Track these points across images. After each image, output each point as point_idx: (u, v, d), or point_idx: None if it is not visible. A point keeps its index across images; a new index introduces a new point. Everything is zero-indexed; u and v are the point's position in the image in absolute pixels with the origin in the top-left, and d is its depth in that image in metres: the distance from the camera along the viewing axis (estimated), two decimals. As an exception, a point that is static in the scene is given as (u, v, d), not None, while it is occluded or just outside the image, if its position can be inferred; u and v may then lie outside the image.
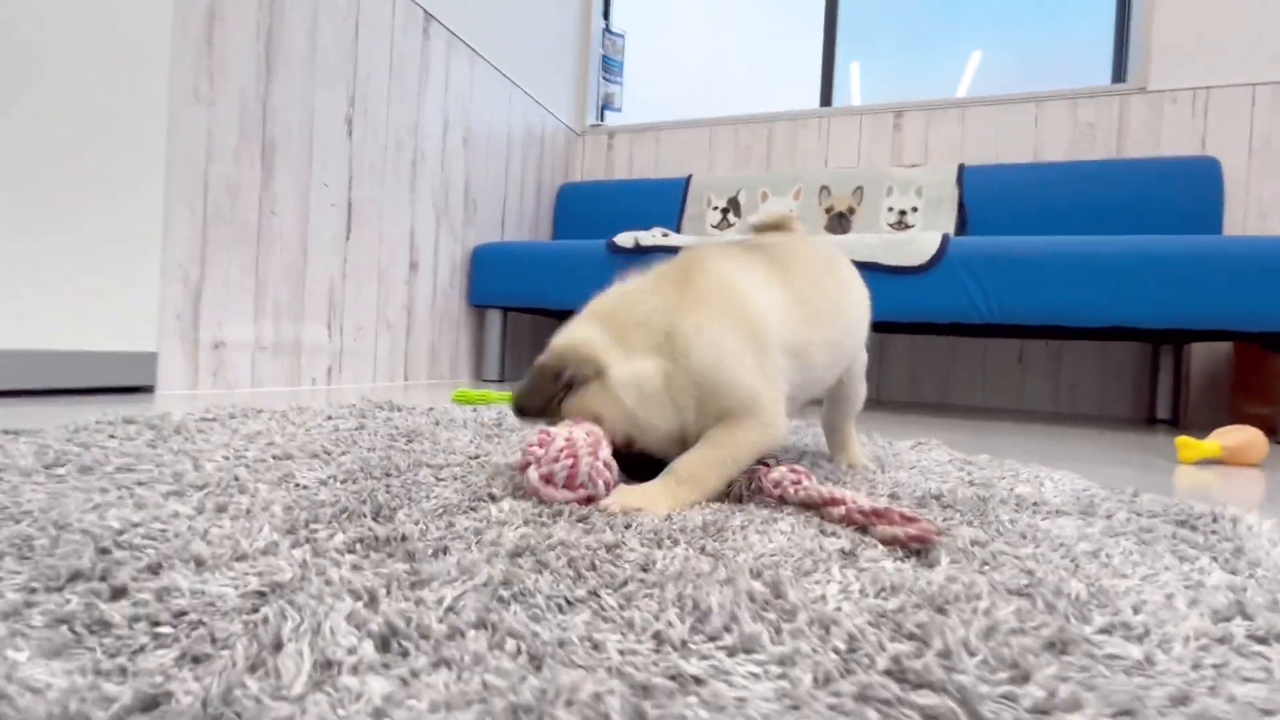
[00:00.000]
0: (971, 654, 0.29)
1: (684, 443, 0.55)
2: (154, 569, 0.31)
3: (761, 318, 0.56)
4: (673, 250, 2.01)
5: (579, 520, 0.44)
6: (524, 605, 0.30)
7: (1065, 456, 1.05)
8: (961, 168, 2.25)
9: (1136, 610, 0.34)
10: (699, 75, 3.19)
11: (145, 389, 1.28)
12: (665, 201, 2.65)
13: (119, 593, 0.29)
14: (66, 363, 1.12)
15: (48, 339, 1.09)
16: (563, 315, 2.73)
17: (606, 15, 3.08)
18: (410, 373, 1.99)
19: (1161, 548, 0.45)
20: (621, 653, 0.27)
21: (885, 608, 0.33)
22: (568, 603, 0.31)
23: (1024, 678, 0.27)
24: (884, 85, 2.90)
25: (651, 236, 2.08)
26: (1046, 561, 0.40)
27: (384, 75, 1.80)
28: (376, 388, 1.78)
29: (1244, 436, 1.09)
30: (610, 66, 3.04)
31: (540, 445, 0.49)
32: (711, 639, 0.29)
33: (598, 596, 0.31)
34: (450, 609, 0.28)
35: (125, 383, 1.21)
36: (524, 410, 0.57)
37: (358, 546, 0.36)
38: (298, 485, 0.50)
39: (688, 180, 2.62)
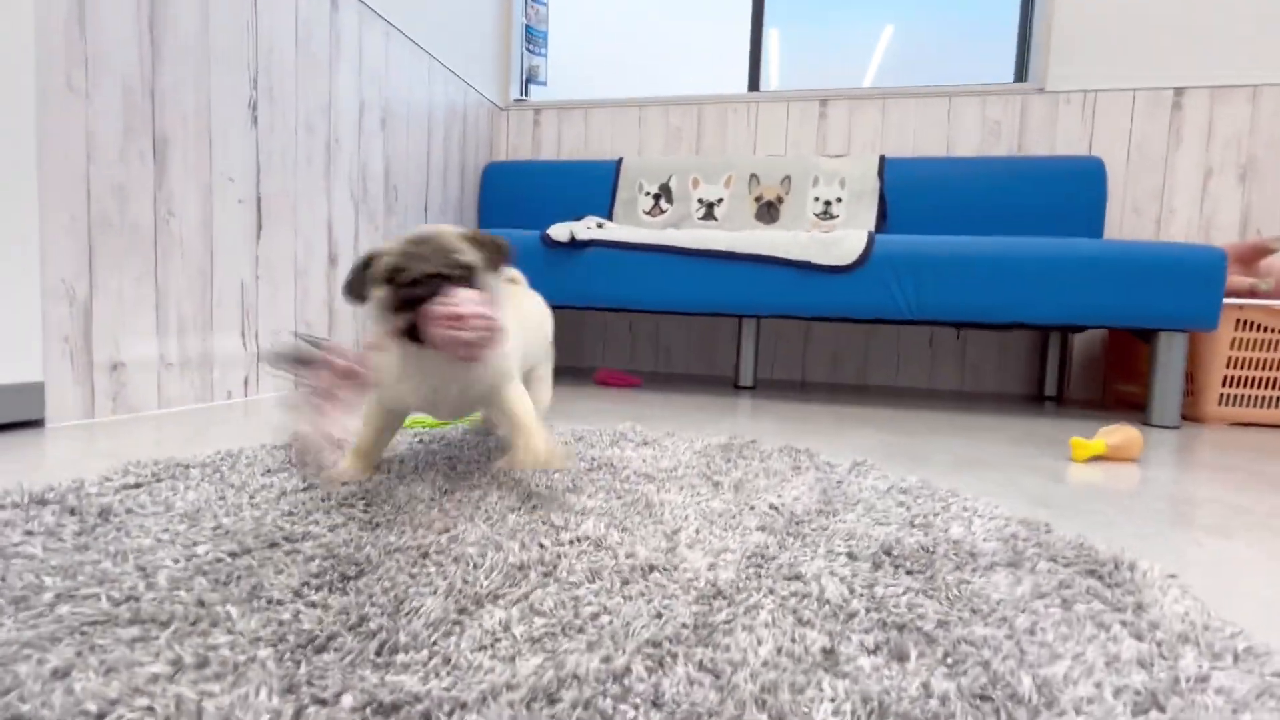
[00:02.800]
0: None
1: None
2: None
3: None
4: (608, 245, 1.99)
5: (575, 631, 0.45)
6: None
7: (977, 462, 1.16)
8: (883, 159, 2.35)
9: (1078, 710, 0.39)
10: (625, 50, 3.11)
11: (33, 424, 1.14)
12: (596, 185, 2.60)
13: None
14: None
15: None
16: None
17: (528, -20, 2.92)
18: (334, 374, 1.89)
19: (1081, 611, 0.51)
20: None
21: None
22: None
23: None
24: (801, 54, 2.93)
25: (586, 229, 2.05)
26: (997, 648, 0.45)
27: (289, 51, 1.64)
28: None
29: (1124, 435, 1.24)
30: (534, 37, 2.90)
31: None
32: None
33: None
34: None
35: (7, 419, 1.08)
36: None
37: (368, 713, 0.35)
38: (270, 602, 0.48)
39: (619, 163, 2.58)
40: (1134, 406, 2.10)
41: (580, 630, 0.45)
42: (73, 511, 0.65)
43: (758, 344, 2.24)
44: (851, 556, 0.61)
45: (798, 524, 0.69)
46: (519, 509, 0.71)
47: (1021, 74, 2.48)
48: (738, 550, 0.61)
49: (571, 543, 0.60)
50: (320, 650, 0.41)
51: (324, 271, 1.82)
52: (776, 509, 0.73)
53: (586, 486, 0.81)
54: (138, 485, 0.75)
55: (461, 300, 0.65)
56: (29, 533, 0.60)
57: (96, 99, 1.19)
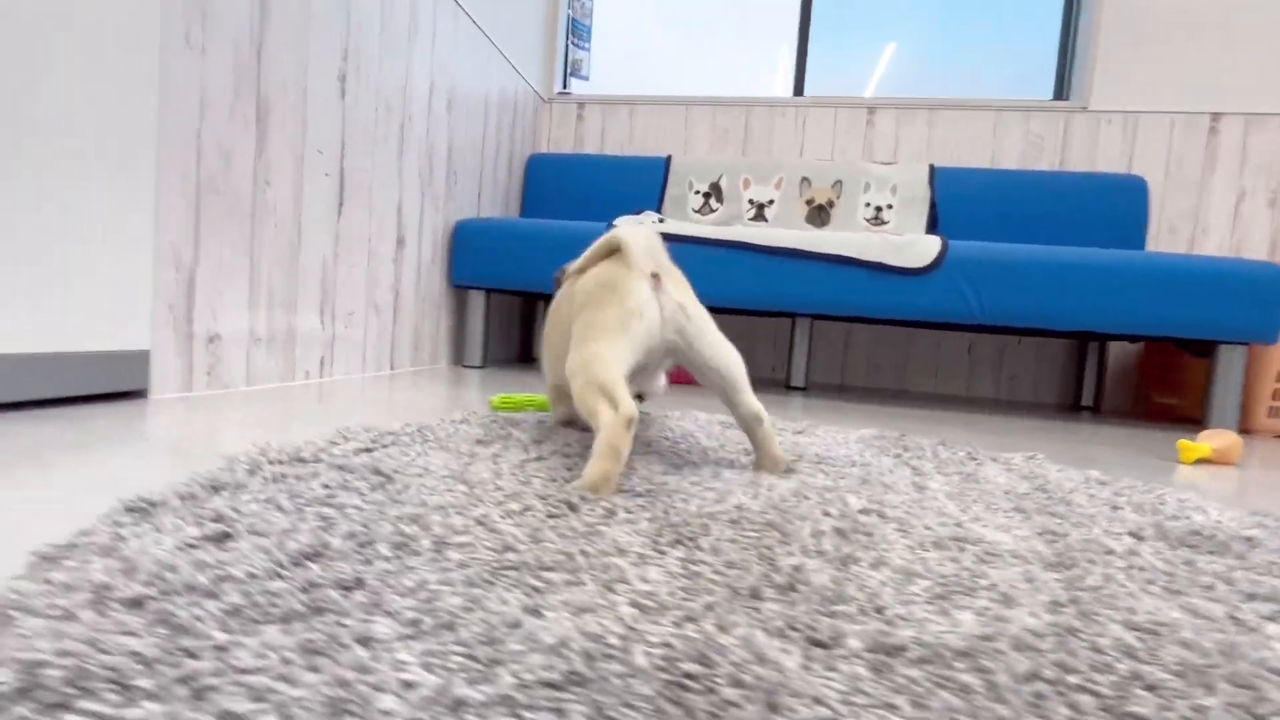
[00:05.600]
0: None
1: None
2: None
3: None
4: (677, 239, 1.97)
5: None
6: None
7: (1086, 461, 1.18)
8: (933, 168, 2.39)
9: None
10: (668, 49, 3.11)
11: (136, 394, 1.07)
12: (643, 181, 2.58)
13: None
14: (35, 369, 0.90)
15: (13, 341, 0.87)
16: (550, 300, 2.59)
17: (574, -25, 2.90)
18: (396, 360, 1.82)
19: None
20: None
21: None
22: None
23: None
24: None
25: (652, 223, 2.02)
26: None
27: (375, 26, 1.58)
28: (366, 378, 1.61)
29: (1228, 440, 1.27)
30: (578, 31, 2.88)
31: None
32: None
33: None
34: None
35: (111, 388, 1.01)
36: None
37: (872, 654, 0.33)
38: (636, 555, 0.45)
39: (668, 160, 2.57)
40: (1173, 418, 2.18)
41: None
42: (342, 468, 0.61)
43: (811, 345, 2.25)
44: (1136, 537, 0.60)
45: (1047, 509, 0.68)
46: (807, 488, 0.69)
47: (1061, 92, 2.56)
48: (1027, 529, 0.60)
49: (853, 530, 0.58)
50: (759, 598, 0.38)
51: (392, 254, 1.76)
52: (1012, 493, 0.72)
53: (803, 467, 0.79)
54: (369, 450, 0.70)
55: None
56: (326, 486, 0.55)
57: (211, 55, 1.13)
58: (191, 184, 1.12)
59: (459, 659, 0.31)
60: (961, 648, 0.36)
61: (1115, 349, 2.46)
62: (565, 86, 2.88)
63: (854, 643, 0.35)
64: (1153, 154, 2.38)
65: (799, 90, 2.75)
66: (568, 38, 2.85)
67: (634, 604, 0.38)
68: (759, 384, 2.32)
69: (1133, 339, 2.11)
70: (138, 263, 1.02)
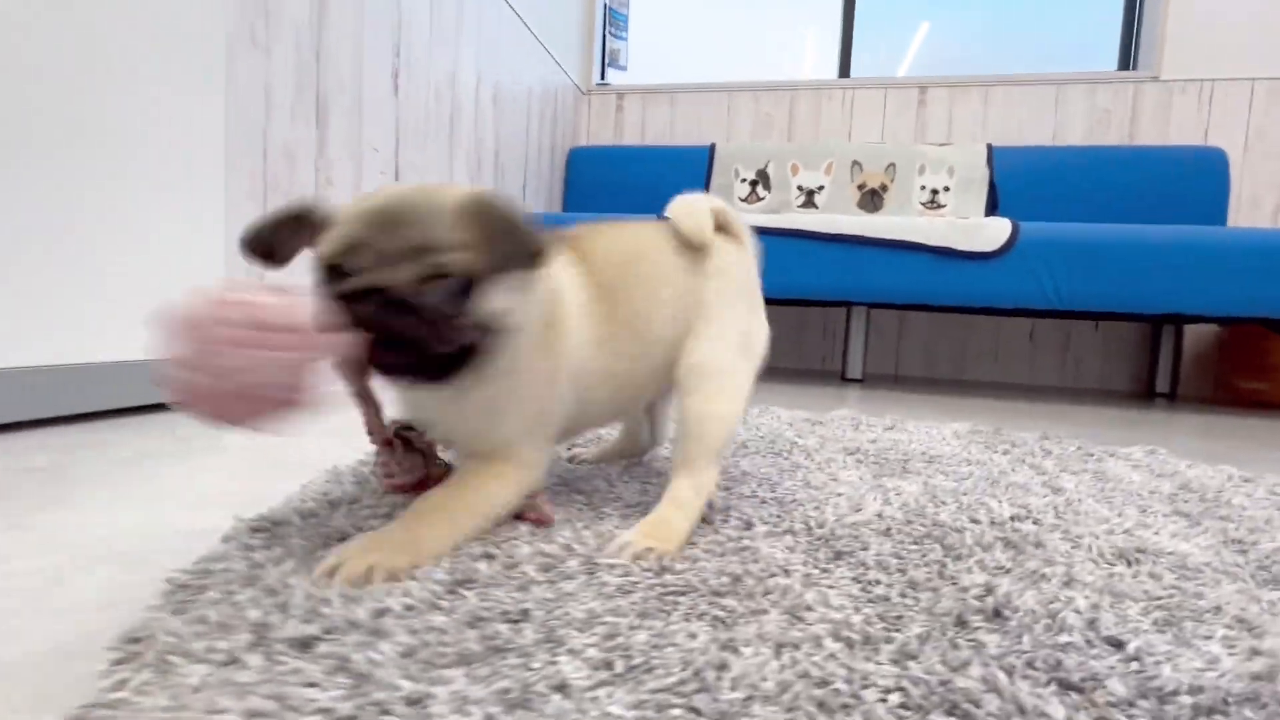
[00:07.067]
0: None
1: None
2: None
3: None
4: (732, 228, 1.91)
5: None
6: None
7: (1211, 455, 1.09)
8: (991, 148, 2.28)
9: None
10: (706, 36, 3.04)
11: (210, 400, 1.05)
12: (687, 171, 2.52)
13: None
14: (124, 376, 0.89)
15: (103, 349, 0.86)
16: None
17: (610, -38, 2.84)
18: (450, 360, 1.80)
19: None
20: None
21: None
22: None
23: None
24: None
25: (704, 212, 1.97)
26: None
27: (425, 19, 1.55)
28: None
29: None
30: (616, 20, 2.82)
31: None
32: None
33: None
34: None
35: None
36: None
37: None
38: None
39: (712, 149, 2.50)
40: (1259, 404, 2.05)
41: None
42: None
43: (867, 335, 2.17)
44: (1334, 544, 0.54)
45: (1212, 513, 0.62)
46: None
47: (1127, 61, 2.42)
48: (1206, 538, 0.54)
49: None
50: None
51: (444, 252, 1.73)
52: (1158, 493, 0.66)
53: (917, 465, 0.74)
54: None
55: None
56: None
57: (275, 53, 1.11)
58: (259, 185, 1.10)
59: (678, 711, 0.27)
60: (1243, 691, 0.30)
61: (1191, 330, 2.32)
62: (603, 78, 2.83)
63: (1117, 687, 0.30)
64: (1231, 124, 2.24)
65: (844, 72, 2.66)
66: (605, 27, 2.80)
67: (835, 636, 0.34)
68: (810, 376, 2.25)
69: (1221, 321, 1.99)
70: (212, 265, 1.01)
